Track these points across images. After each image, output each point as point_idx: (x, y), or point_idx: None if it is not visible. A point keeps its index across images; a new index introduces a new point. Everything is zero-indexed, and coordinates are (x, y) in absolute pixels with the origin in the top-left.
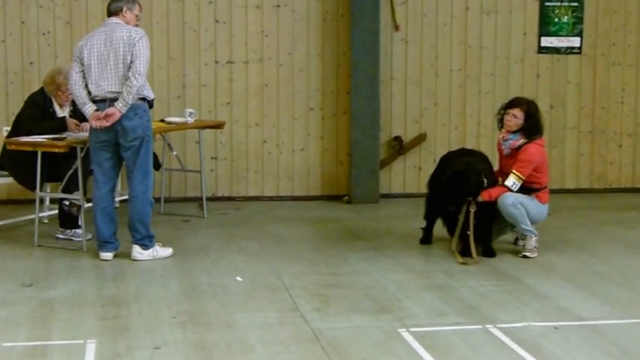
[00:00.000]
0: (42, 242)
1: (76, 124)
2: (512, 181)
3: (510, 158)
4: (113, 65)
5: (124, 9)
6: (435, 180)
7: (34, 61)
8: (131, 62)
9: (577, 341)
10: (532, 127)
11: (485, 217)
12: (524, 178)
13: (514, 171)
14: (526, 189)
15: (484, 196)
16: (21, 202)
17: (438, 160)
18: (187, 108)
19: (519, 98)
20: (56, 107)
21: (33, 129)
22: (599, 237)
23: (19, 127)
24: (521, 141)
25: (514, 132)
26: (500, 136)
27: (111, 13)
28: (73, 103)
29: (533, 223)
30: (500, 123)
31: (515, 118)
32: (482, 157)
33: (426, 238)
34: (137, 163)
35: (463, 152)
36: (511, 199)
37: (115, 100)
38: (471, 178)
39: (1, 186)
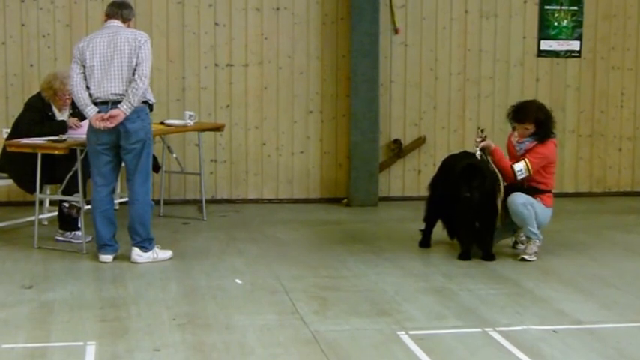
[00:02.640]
0: (42, 244)
1: (75, 124)
2: (520, 167)
3: (523, 157)
4: (117, 67)
5: (133, 20)
6: (436, 182)
7: (34, 63)
8: (137, 65)
9: (576, 344)
10: (545, 132)
11: (486, 221)
12: (532, 171)
13: (526, 159)
14: (532, 190)
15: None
16: (21, 204)
17: (440, 163)
18: (187, 111)
19: (526, 110)
20: (55, 110)
21: (32, 132)
22: (598, 240)
23: (19, 131)
24: (536, 143)
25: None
26: (515, 138)
27: (122, 17)
28: (73, 106)
29: (538, 227)
30: (513, 124)
31: (527, 130)
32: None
33: (425, 241)
34: (139, 166)
35: (466, 155)
36: (522, 199)
37: (118, 102)
38: (484, 169)
39: (0, 188)
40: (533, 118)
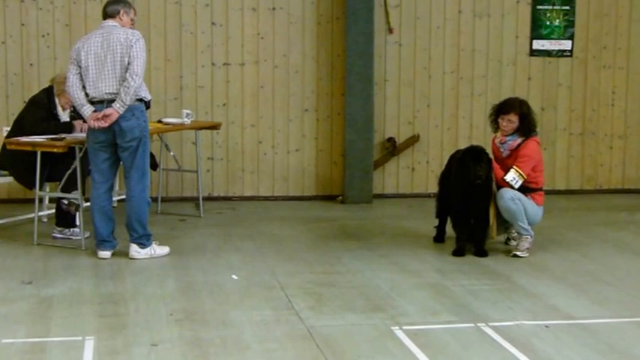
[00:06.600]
0: (41, 241)
1: (82, 127)
2: (512, 175)
3: (509, 159)
4: (110, 67)
5: (121, 12)
6: (445, 177)
7: (34, 62)
8: (128, 64)
9: (568, 340)
10: (528, 127)
11: (479, 217)
12: (525, 175)
13: (514, 167)
14: (522, 189)
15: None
16: (20, 201)
17: (448, 158)
18: (184, 109)
19: (511, 102)
20: (59, 110)
21: (38, 128)
22: (590, 237)
23: (22, 127)
24: (520, 140)
25: (511, 134)
26: (497, 140)
27: (107, 15)
28: (73, 105)
29: (529, 225)
30: (495, 124)
31: (511, 122)
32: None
33: (440, 237)
34: (134, 163)
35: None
36: (510, 194)
37: (113, 101)
38: (484, 153)
39: (1, 185)
40: (518, 109)
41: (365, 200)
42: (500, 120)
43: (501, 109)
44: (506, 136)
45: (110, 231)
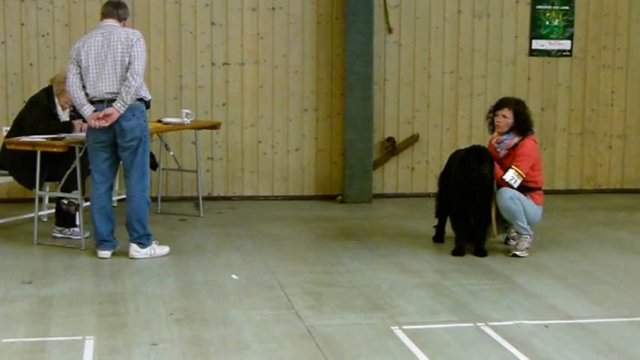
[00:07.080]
0: (41, 240)
1: (82, 127)
2: (511, 175)
3: (506, 159)
4: (111, 66)
5: (128, 19)
6: (444, 177)
7: (34, 62)
8: (129, 63)
9: (567, 339)
10: (523, 124)
11: (479, 217)
12: (523, 174)
13: (513, 166)
14: (521, 188)
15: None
16: (20, 200)
17: (447, 158)
18: (184, 109)
19: (506, 98)
20: (59, 109)
21: (38, 128)
22: (589, 237)
23: (22, 127)
24: (516, 139)
25: (506, 132)
26: (494, 140)
27: (114, 16)
28: (73, 105)
29: (529, 224)
30: (492, 126)
31: (505, 118)
32: None
33: (439, 236)
34: (135, 162)
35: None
36: (509, 194)
37: (113, 100)
38: (487, 152)
39: (1, 185)
40: (513, 106)
41: (364, 200)
42: (495, 117)
43: (496, 106)
44: (502, 134)
45: (110, 231)
